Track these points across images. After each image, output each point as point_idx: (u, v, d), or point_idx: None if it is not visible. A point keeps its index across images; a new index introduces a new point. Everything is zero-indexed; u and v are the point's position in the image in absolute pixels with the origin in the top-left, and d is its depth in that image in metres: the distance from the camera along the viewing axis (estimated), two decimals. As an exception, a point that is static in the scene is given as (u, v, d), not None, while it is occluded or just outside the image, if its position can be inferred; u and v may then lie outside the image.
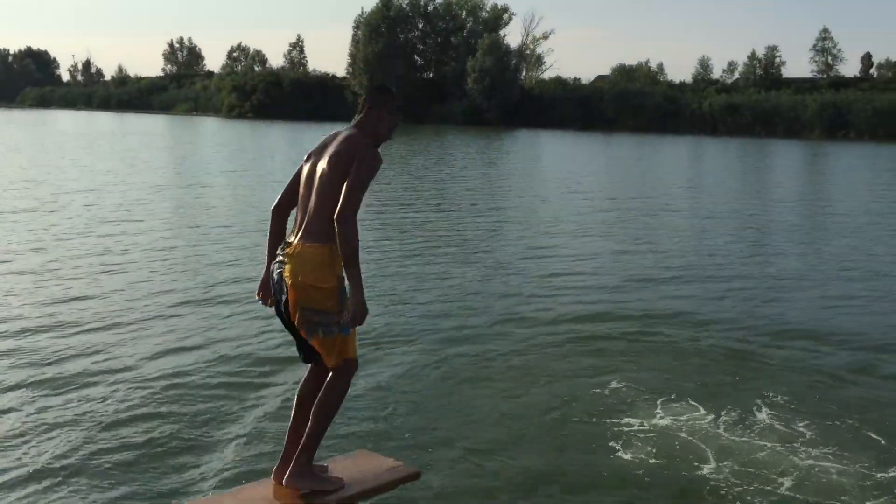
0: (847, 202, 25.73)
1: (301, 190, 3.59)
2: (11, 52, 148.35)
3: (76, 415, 6.87)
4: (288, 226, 3.75)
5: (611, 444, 6.58)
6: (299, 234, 3.49)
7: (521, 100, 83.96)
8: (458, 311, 10.84)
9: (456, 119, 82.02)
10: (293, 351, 4.06)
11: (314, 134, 58.33)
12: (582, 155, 46.57)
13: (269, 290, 3.61)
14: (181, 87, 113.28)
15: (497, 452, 6.44)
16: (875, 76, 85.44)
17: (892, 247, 17.26)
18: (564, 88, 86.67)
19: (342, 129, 3.86)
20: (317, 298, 3.43)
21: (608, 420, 7.04)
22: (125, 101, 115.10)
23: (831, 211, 23.68)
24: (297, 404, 3.81)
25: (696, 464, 6.20)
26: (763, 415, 7.24)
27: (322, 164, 3.58)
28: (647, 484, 5.90)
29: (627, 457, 6.32)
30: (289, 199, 3.68)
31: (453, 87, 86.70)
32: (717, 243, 17.07)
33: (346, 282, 3.45)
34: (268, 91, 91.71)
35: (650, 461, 6.24)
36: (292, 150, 42.65)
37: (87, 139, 47.61)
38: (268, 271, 3.61)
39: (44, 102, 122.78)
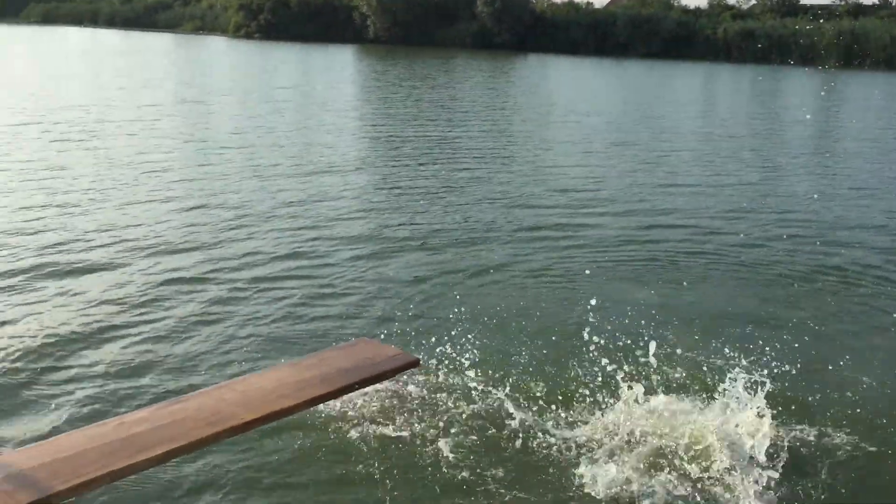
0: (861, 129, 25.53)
1: None
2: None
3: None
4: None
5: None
6: None
7: (533, 24, 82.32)
8: (470, 226, 11.01)
9: (464, 43, 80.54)
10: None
11: (321, 55, 57.65)
12: (595, 80, 46.01)
13: None
14: (187, 5, 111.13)
15: (500, 346, 6.66)
16: (894, 4, 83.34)
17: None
18: (577, 12, 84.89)
19: None
20: None
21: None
22: (131, 18, 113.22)
23: (841, 138, 23.51)
24: None
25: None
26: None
27: None
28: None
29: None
30: None
31: (462, 9, 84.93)
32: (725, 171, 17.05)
33: None
34: (275, 10, 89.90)
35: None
36: (297, 73, 42.18)
37: (95, 57, 47.14)
38: None
39: (49, 18, 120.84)
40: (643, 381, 5.84)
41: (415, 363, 4.51)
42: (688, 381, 6.27)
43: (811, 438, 5.53)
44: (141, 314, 7.31)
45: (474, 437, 5.22)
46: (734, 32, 76.18)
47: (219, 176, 13.86)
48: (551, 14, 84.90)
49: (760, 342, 6.95)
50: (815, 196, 14.25)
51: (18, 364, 6.19)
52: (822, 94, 42.49)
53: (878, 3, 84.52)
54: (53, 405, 5.53)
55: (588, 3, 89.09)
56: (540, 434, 5.30)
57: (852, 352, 7.17)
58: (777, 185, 15.64)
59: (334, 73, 41.99)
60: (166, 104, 24.36)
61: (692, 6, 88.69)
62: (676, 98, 36.16)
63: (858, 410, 5.97)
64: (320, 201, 12.38)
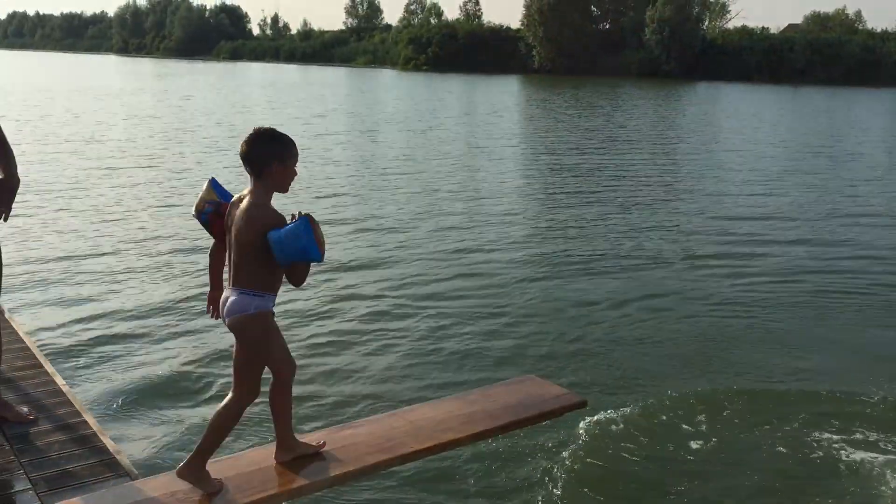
0: None
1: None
2: (208, 7, 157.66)
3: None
4: None
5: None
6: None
7: (703, 51, 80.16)
8: (632, 255, 10.85)
9: (630, 71, 79.54)
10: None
11: (486, 85, 58.59)
12: (768, 108, 44.11)
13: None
14: (361, 40, 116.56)
15: (661, 388, 6.49)
16: None
17: None
18: (751, 38, 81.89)
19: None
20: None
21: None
22: (309, 54, 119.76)
23: None
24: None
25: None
26: None
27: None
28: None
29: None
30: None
31: (630, 37, 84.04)
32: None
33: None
34: (443, 43, 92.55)
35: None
36: (461, 102, 43.05)
37: (275, 89, 50.20)
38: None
39: (236, 55, 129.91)
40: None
41: (582, 404, 4.48)
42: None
43: None
44: (308, 336, 7.68)
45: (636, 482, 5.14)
46: (928, 55, 71.15)
47: (387, 200, 14.40)
48: (722, 41, 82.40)
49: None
50: None
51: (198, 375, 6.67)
52: None
53: None
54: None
55: (763, 28, 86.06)
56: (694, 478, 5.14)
57: None
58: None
59: (499, 102, 42.59)
60: (338, 132, 25.58)
61: (879, 29, 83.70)
62: (858, 126, 34.05)
63: None
64: (486, 225, 12.62)
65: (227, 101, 39.19)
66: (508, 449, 5.54)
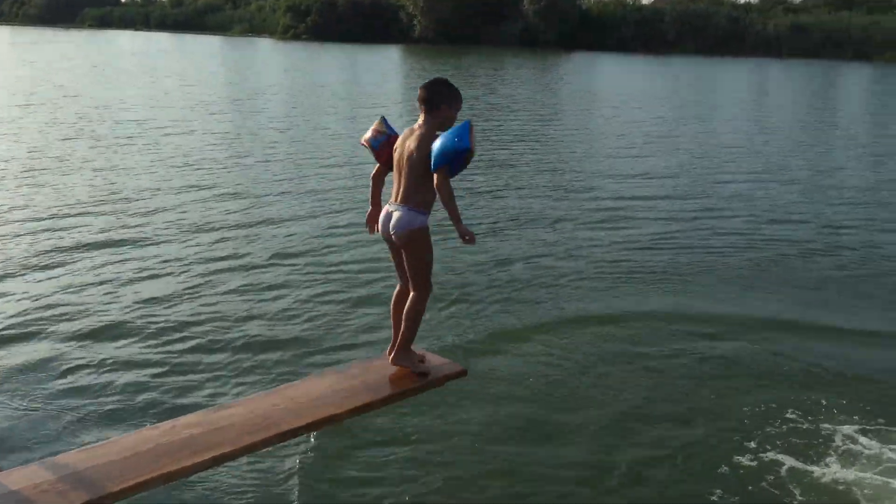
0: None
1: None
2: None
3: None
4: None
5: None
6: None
7: (580, 22, 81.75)
8: (519, 236, 11.00)
9: (511, 41, 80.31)
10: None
11: (368, 56, 57.97)
12: (642, 78, 45.52)
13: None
14: (237, 8, 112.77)
15: (545, 363, 6.64)
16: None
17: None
18: (625, 9, 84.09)
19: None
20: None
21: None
22: (181, 21, 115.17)
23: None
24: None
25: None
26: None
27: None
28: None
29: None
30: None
31: (508, 8, 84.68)
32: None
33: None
34: (322, 12, 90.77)
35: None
36: (343, 72, 42.49)
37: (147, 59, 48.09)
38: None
39: (104, 23, 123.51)
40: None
41: (463, 373, 4.52)
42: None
43: None
44: (186, 315, 7.46)
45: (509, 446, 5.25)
46: (786, 28, 74.82)
47: (262, 171, 14.06)
48: (598, 12, 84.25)
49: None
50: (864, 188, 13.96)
51: (76, 364, 6.38)
52: (877, 88, 41.51)
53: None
54: (105, 406, 5.69)
55: (636, 0, 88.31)
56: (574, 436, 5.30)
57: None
58: (833, 177, 15.33)
59: (380, 72, 42.23)
60: (213, 103, 24.76)
61: (742, 1, 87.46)
62: (725, 94, 35.61)
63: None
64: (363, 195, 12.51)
65: (91, 72, 37.24)
66: (392, 421, 5.56)
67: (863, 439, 5.44)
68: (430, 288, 4.25)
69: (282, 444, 4.26)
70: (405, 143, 4.13)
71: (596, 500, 4.79)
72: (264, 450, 4.11)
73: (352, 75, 41.01)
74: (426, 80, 4.17)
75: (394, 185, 4.22)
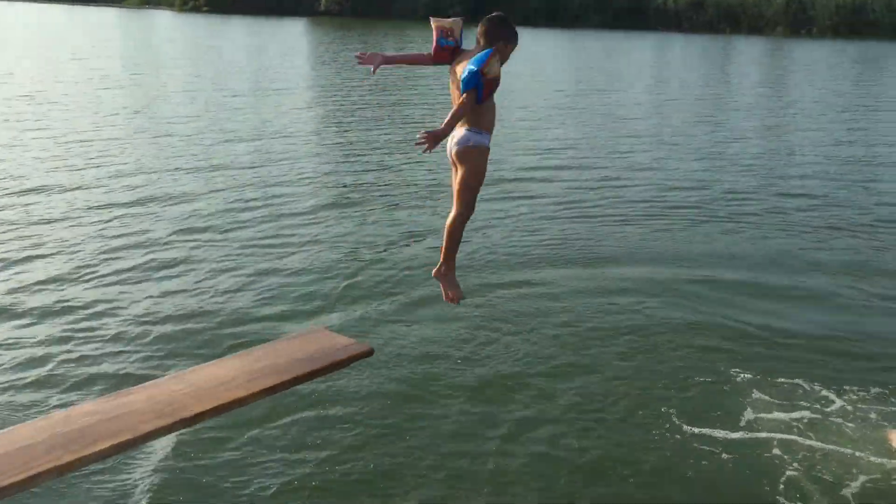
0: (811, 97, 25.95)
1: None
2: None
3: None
4: None
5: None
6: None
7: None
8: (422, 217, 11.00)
9: (417, 14, 79.89)
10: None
11: (271, 29, 56.67)
12: (549, 53, 45.99)
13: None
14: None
15: (446, 337, 6.67)
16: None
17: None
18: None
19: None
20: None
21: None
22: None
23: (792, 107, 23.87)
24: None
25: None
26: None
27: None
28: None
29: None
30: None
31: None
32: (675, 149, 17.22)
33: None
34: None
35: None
36: (245, 46, 41.45)
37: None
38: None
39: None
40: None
41: (369, 352, 4.48)
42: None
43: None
44: (81, 298, 7.19)
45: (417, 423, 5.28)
46: (685, 3, 76.82)
47: (163, 153, 13.63)
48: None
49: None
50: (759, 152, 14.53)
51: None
52: (769, 61, 43.09)
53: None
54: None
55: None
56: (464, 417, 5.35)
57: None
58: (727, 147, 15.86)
59: (285, 46, 41.33)
60: (110, 78, 23.77)
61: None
62: (632, 67, 36.33)
63: None
64: (272, 185, 12.29)
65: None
66: (300, 402, 5.50)
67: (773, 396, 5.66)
68: (472, 209, 4.40)
69: (184, 429, 4.14)
70: (458, 69, 4.25)
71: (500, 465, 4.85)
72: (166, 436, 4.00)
73: (254, 49, 40.00)
74: (491, 15, 4.33)
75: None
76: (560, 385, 5.69)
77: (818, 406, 5.52)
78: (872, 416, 5.40)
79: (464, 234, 4.39)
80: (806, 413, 5.42)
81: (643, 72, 35.19)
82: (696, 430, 5.23)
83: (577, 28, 73.07)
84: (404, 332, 6.67)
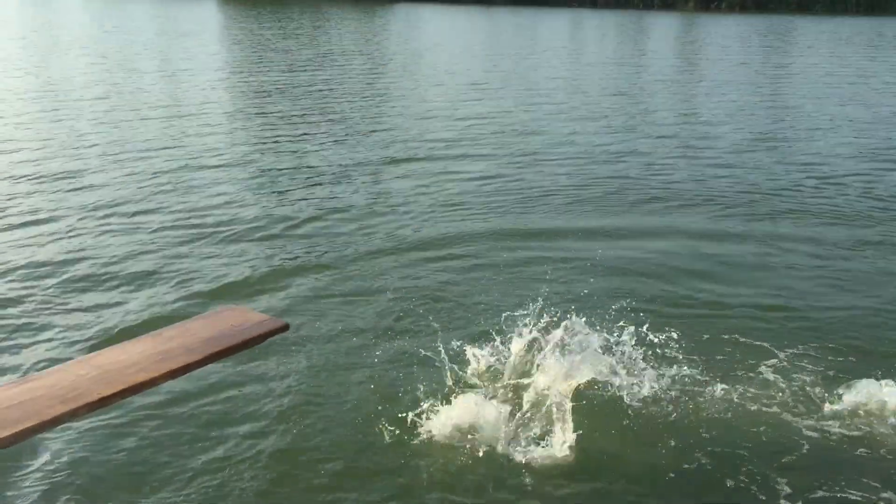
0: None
1: None
2: None
3: None
4: None
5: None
6: None
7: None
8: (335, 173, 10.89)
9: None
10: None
11: (180, 9, 55.10)
12: (459, 29, 45.99)
13: None
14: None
15: (374, 308, 6.63)
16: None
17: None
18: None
19: None
20: None
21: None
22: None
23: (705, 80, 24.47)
24: None
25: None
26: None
27: None
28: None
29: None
30: None
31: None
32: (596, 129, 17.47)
33: None
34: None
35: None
36: (153, 25, 40.22)
37: None
38: None
39: None
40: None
41: (284, 328, 4.39)
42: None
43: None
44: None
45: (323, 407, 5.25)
46: (597, -22, 77.96)
47: (71, 140, 13.14)
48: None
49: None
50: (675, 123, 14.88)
51: None
52: (682, 37, 44.03)
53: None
54: None
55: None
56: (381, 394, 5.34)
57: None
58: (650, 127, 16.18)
59: (196, 28, 40.23)
60: (11, 61, 22.76)
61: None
62: (542, 43, 36.63)
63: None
64: (183, 162, 11.96)
65: None
66: (219, 381, 5.40)
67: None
68: None
69: (91, 413, 4.02)
70: None
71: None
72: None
73: (163, 30, 38.81)
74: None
75: None
76: (476, 352, 5.67)
77: (752, 373, 5.63)
78: (808, 378, 5.54)
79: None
80: (741, 379, 5.51)
81: (557, 47, 35.52)
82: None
83: (491, 4, 73.36)
84: (322, 309, 6.60)
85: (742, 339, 6.07)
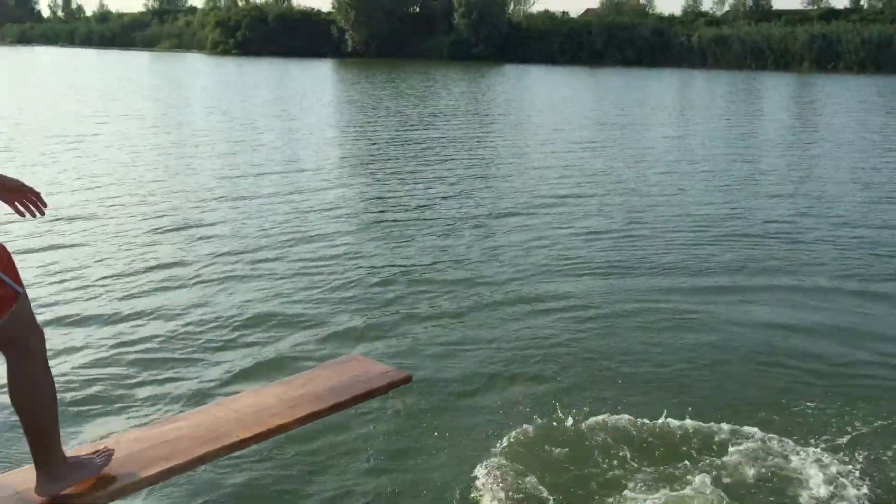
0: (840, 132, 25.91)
1: None
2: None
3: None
4: None
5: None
6: None
7: (509, 34, 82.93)
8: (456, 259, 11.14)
9: (443, 54, 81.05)
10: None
11: (300, 71, 57.68)
12: (570, 89, 46.34)
13: None
14: (164, 23, 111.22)
15: (490, 362, 6.74)
16: (865, 7, 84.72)
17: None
18: (553, 22, 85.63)
19: None
20: None
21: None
22: (108, 37, 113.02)
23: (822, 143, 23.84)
24: None
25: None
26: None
27: None
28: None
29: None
30: None
31: (440, 21, 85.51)
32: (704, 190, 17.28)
33: None
34: (252, 26, 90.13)
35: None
36: (276, 86, 42.18)
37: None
38: None
39: (24, 39, 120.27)
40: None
41: (407, 379, 4.58)
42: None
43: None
44: (125, 330, 7.35)
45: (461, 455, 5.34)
46: (708, 39, 77.06)
47: (198, 192, 13.91)
48: (527, 24, 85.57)
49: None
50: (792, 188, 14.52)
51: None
52: (796, 97, 43.06)
53: (848, 6, 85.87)
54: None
55: (564, 12, 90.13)
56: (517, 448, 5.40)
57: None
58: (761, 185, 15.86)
59: (314, 87, 42.07)
60: (143, 117, 24.34)
61: (667, 13, 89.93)
62: (649, 103, 36.49)
63: None
64: (304, 213, 12.50)
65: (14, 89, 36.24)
66: (339, 429, 5.59)
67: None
68: None
69: (229, 455, 4.25)
70: None
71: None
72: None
73: (284, 88, 40.78)
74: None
75: None
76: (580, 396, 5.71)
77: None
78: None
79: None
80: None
81: (667, 106, 35.30)
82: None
83: (600, 65, 73.59)
84: (442, 356, 6.75)
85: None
